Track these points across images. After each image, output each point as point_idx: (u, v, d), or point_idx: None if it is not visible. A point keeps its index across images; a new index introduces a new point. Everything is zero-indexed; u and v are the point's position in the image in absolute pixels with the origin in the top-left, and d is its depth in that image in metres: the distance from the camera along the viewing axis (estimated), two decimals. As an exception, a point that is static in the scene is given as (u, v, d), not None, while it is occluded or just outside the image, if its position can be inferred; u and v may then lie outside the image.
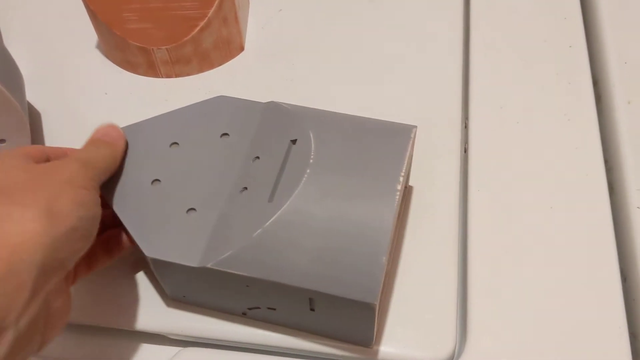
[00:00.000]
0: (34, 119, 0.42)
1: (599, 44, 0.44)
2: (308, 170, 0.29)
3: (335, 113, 0.33)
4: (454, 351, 0.32)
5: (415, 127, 0.32)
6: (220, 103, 0.34)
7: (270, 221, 0.28)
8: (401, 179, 0.29)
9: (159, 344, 0.34)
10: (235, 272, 0.28)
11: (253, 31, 0.47)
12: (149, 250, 0.29)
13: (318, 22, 0.47)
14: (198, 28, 0.41)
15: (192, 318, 0.33)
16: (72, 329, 0.35)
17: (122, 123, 0.41)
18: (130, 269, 0.35)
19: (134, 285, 0.35)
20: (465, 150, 0.39)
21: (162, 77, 0.44)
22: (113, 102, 0.43)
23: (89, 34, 0.46)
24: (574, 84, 0.41)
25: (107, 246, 0.33)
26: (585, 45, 0.44)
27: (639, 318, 0.32)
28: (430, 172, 0.38)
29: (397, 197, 0.29)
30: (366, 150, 0.31)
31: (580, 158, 0.38)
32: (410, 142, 0.31)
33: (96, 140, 0.32)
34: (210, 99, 0.34)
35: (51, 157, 0.31)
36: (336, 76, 0.42)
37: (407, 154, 0.31)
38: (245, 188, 0.30)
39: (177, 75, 0.44)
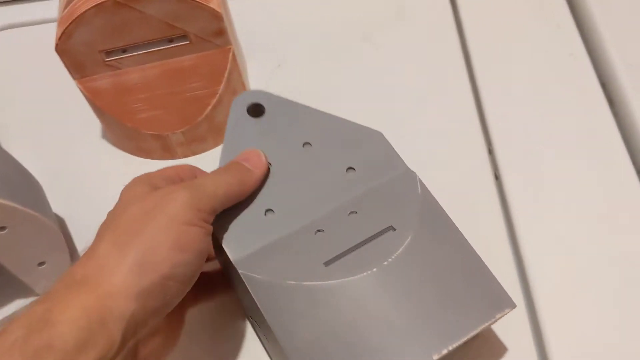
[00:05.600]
0: (61, 227, 0.41)
1: (598, 48, 0.45)
2: (375, 268, 0.29)
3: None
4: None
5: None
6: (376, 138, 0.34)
7: (305, 283, 0.29)
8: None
9: None
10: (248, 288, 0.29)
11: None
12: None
13: (317, 71, 0.47)
14: (210, 106, 0.40)
15: None
16: None
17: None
18: None
19: None
20: (497, 177, 0.40)
21: (179, 157, 0.43)
22: (136, 194, 0.42)
23: (91, 125, 0.45)
24: (583, 90, 0.43)
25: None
26: (584, 51, 0.45)
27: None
28: (470, 199, 0.39)
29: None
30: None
31: (606, 161, 0.39)
32: None
33: (232, 164, 0.31)
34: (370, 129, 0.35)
35: (183, 178, 0.31)
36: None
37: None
38: (322, 230, 0.30)
39: (193, 154, 0.43)
